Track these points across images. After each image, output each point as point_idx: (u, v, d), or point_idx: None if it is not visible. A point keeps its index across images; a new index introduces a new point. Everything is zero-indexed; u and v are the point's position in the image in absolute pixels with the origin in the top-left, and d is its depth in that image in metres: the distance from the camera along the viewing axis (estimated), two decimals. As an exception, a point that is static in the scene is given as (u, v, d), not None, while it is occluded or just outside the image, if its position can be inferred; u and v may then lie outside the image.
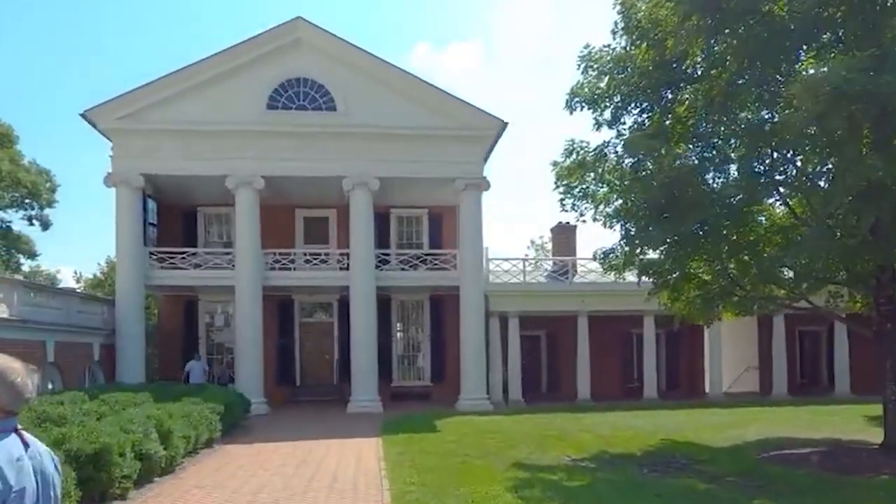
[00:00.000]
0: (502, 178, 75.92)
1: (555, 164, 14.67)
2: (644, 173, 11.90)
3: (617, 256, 14.05)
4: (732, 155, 12.05)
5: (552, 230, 29.29)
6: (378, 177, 21.47)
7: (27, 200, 38.28)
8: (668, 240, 11.88)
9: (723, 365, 25.16)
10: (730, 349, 26.70)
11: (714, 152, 11.65)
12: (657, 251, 13.32)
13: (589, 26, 77.50)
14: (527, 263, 25.33)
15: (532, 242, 48.03)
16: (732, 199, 10.94)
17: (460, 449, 13.21)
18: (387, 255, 23.51)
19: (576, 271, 25.37)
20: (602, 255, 13.92)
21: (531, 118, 76.81)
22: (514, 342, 23.32)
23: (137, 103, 20.63)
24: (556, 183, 14.67)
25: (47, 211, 38.98)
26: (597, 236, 72.06)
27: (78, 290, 29.99)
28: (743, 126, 10.77)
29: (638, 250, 13.38)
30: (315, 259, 23.13)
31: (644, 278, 14.41)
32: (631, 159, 12.25)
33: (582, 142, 14.31)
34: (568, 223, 28.13)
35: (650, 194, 11.26)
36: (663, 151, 10.98)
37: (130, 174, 20.61)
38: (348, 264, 22.12)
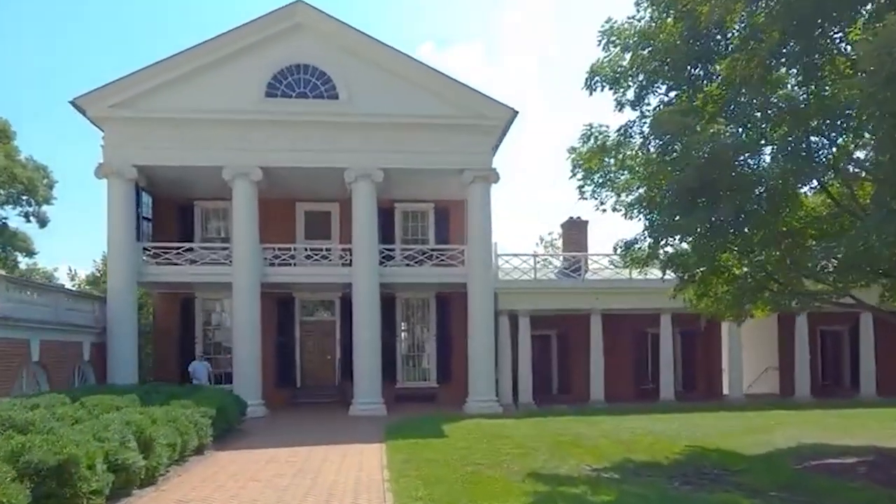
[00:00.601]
0: (510, 175, 74.82)
1: (572, 149, 13.67)
2: (673, 156, 10.83)
3: (639, 249, 13.00)
4: (767, 137, 10.97)
5: (562, 226, 28.23)
6: (382, 168, 20.46)
7: (24, 197, 37.47)
8: (698, 229, 10.80)
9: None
10: (748, 349, 25.54)
11: (748, 133, 10.54)
12: (684, 242, 12.26)
13: (594, 30, 76.50)
14: (537, 260, 24.21)
15: (541, 239, 46.61)
16: (773, 183, 9.84)
17: (471, 456, 12.20)
18: (391, 250, 22.49)
19: (587, 268, 24.30)
20: (623, 248, 12.85)
21: (535, 117, 75.76)
22: (524, 342, 22.28)
23: (130, 90, 19.67)
24: (573, 171, 13.67)
25: (45, 208, 38.23)
26: (610, 232, 69.66)
27: (67, 287, 28.96)
28: (783, 104, 9.70)
29: (662, 241, 12.33)
30: (316, 254, 22.14)
31: (669, 274, 13.37)
32: (658, 140, 11.18)
33: (601, 125, 13.34)
34: (579, 218, 27.17)
35: (681, 178, 10.20)
36: (698, 129, 9.92)
37: (122, 165, 19.64)
38: (351, 260, 21.12)
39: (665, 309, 22.84)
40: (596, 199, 13.13)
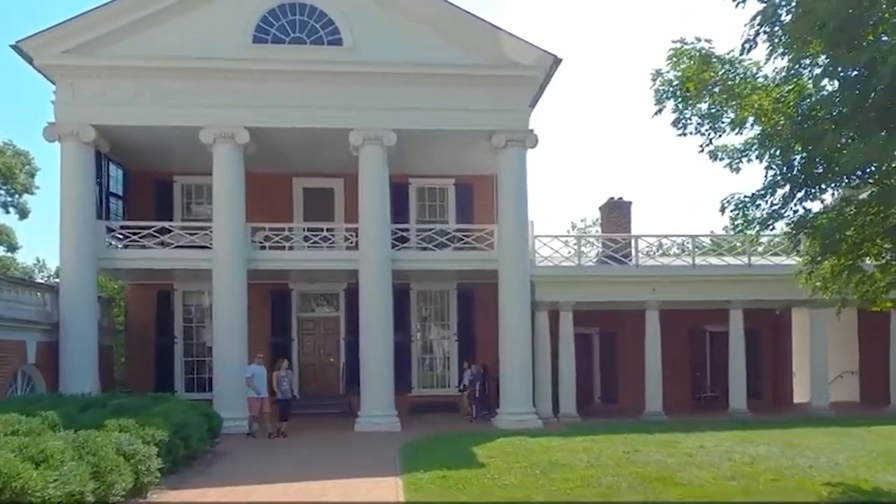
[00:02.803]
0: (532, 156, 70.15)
1: (656, 73, 9.92)
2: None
3: (759, 207, 9.21)
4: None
5: (601, 208, 24.27)
6: (395, 129, 16.76)
7: (2, 186, 34.15)
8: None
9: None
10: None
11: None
12: (837, 190, 8.49)
13: (597, 25, 72.68)
14: (582, 242, 20.36)
15: (573, 226, 42.15)
16: None
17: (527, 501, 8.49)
18: (405, 230, 18.75)
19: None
20: (745, 202, 9.00)
21: (550, 95, 71.71)
22: (566, 341, 18.46)
23: (87, 33, 16.04)
24: (658, 102, 9.90)
25: (25, 197, 34.88)
26: (646, 218, 62.59)
27: (6, 274, 25.21)
28: None
29: (801, 193, 8.54)
30: (316, 236, 18.41)
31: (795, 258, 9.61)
32: (825, 24, 7.26)
33: (699, 39, 9.60)
34: (621, 199, 23.27)
35: (872, 80, 6.44)
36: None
37: (78, 124, 16.05)
38: (357, 243, 17.43)
39: (736, 302, 19.09)
40: (702, 134, 9.37)
